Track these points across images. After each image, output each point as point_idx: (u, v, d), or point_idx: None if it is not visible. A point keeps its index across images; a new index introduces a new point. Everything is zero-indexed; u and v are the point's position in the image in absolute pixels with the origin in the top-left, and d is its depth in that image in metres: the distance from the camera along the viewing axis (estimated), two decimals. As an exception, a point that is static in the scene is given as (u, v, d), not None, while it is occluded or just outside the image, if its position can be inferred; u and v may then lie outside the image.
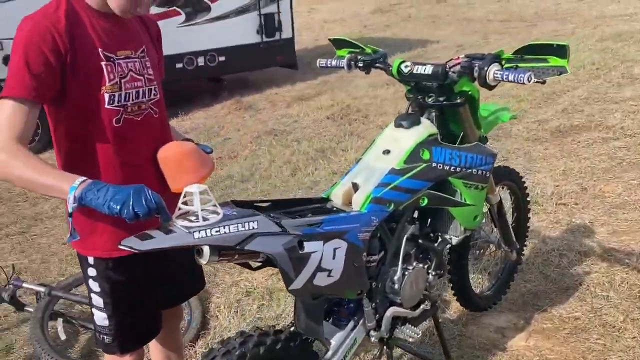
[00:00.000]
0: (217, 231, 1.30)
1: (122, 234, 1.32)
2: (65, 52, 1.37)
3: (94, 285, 1.61)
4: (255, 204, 1.62)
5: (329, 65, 2.04)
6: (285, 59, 7.72)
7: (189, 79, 7.40)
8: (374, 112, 5.95)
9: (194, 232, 1.27)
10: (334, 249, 1.55)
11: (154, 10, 6.51)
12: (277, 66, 8.01)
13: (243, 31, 7.23)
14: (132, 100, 1.51)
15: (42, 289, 2.66)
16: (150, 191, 1.26)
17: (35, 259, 3.58)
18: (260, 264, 1.51)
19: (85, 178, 1.29)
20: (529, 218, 2.66)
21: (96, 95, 1.44)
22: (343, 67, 2.01)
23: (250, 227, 1.36)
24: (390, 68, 1.89)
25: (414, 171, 1.75)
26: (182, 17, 6.67)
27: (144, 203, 1.23)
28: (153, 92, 1.58)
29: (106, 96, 1.45)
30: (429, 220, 1.95)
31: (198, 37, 6.84)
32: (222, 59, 7.11)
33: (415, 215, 1.91)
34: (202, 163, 1.56)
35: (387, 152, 1.80)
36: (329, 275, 1.54)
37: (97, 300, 1.62)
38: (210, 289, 2.97)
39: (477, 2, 13.96)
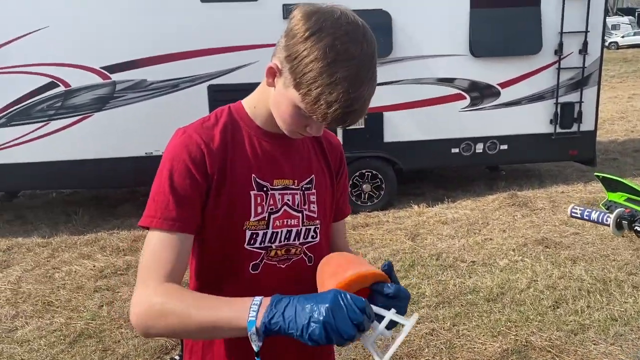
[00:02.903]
0: None
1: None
2: (212, 174, 1.12)
3: None
4: None
5: (586, 218, 1.36)
6: (580, 153, 6.62)
7: (464, 166, 6.96)
8: (693, 240, 4.49)
9: None
10: None
11: (435, 90, 6.43)
12: (569, 160, 6.95)
13: (533, 120, 6.48)
14: (280, 241, 1.19)
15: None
16: (349, 296, 0.92)
17: None
18: None
19: (261, 298, 0.97)
20: None
21: (237, 232, 1.15)
22: (607, 225, 1.30)
23: None
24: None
25: None
26: (467, 101, 6.32)
27: (349, 321, 0.90)
28: (312, 234, 1.23)
29: (248, 234, 1.15)
30: None
31: (480, 123, 6.38)
32: (503, 147, 6.46)
33: None
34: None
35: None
36: None
37: None
38: None
39: None
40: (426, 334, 3.38)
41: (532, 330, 3.35)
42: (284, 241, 1.19)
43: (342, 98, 0.99)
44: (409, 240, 5.08)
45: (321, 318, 0.89)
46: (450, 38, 6.09)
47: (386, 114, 6.14)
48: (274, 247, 1.18)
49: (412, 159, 6.29)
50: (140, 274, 1.07)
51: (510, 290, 3.90)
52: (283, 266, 1.19)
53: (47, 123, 5.61)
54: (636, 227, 1.27)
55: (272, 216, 1.17)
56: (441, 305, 3.75)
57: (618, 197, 1.42)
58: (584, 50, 6.29)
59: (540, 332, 3.32)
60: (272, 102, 1.13)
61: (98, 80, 5.60)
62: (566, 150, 6.58)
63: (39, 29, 5.43)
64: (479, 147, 6.44)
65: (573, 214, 1.42)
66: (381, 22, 5.85)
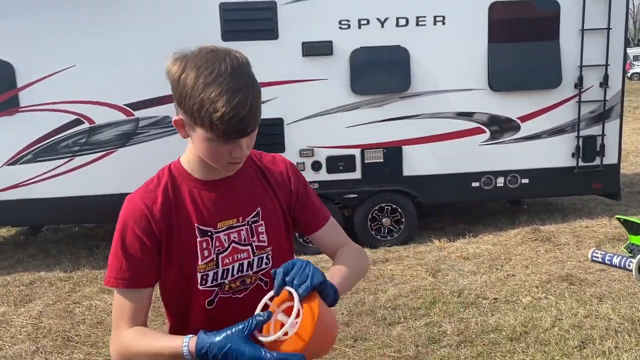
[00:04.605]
0: None
1: None
2: (160, 235, 1.29)
3: None
4: None
5: (607, 263, 1.33)
6: (604, 187, 6.50)
7: (485, 200, 6.89)
8: None
9: None
10: None
11: (454, 124, 6.41)
12: (592, 194, 6.83)
13: (555, 153, 6.40)
14: (233, 275, 1.34)
15: None
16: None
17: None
18: None
19: (189, 339, 1.18)
20: None
21: (190, 276, 1.31)
22: (630, 270, 1.27)
23: None
24: None
25: None
26: (487, 135, 6.29)
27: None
28: (265, 260, 1.37)
29: (199, 276, 1.31)
30: None
31: (501, 157, 6.33)
32: (525, 181, 6.39)
33: None
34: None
35: None
36: None
37: None
38: None
39: None
40: (448, 374, 3.30)
41: (557, 372, 3.24)
42: (237, 274, 1.33)
43: (228, 108, 1.13)
44: (430, 277, 5.01)
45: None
46: (469, 72, 6.10)
47: (405, 148, 6.14)
48: (227, 282, 1.32)
49: (432, 192, 6.25)
50: (113, 322, 1.30)
51: (534, 329, 3.80)
52: (240, 296, 1.34)
53: (72, 159, 5.74)
54: (660, 273, 1.24)
55: (220, 255, 1.31)
56: (463, 345, 3.66)
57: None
58: (604, 84, 6.25)
59: (566, 374, 3.22)
60: (196, 150, 1.27)
61: (122, 117, 5.73)
62: (589, 183, 6.47)
63: (66, 68, 5.61)
64: (500, 181, 6.37)
65: (594, 259, 1.38)
66: (399, 58, 5.91)
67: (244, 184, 1.37)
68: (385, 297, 4.57)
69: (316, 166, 6.01)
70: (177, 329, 1.37)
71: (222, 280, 1.32)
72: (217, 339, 1.12)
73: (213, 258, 1.30)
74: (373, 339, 3.83)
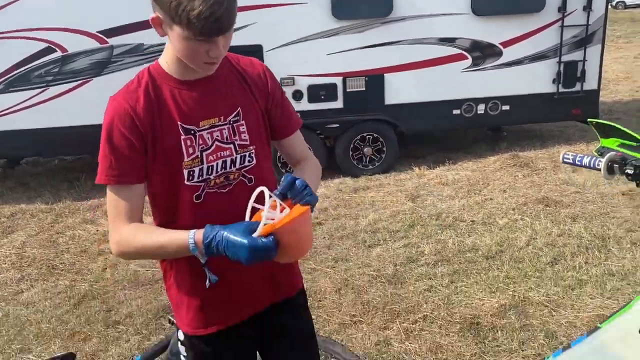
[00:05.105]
0: None
1: (207, 313, 1.45)
2: (146, 133, 1.33)
3: (182, 349, 1.58)
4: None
5: (577, 164, 1.35)
6: (583, 112, 6.54)
7: (466, 127, 6.91)
8: (694, 197, 4.48)
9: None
10: None
11: (437, 50, 6.34)
12: (572, 120, 6.89)
13: (536, 79, 6.40)
14: (217, 172, 1.39)
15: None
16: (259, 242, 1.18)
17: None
18: None
19: (194, 232, 1.25)
20: None
21: (177, 173, 1.36)
22: (599, 169, 1.29)
23: None
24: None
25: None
26: (469, 61, 6.23)
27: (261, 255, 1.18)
28: (247, 158, 1.42)
29: (185, 172, 1.36)
30: None
31: (482, 84, 6.30)
32: (505, 107, 6.41)
33: None
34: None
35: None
36: None
37: None
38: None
39: None
40: (424, 290, 3.43)
41: (530, 286, 3.38)
42: (221, 171, 1.38)
43: (205, 7, 1.15)
44: (409, 202, 5.09)
45: (245, 256, 1.16)
46: (452, -4, 5.97)
47: (387, 76, 6.07)
48: (212, 177, 1.38)
49: (414, 121, 6.24)
50: (109, 217, 1.36)
51: (509, 248, 3.93)
52: (224, 191, 1.39)
53: (46, 89, 5.58)
54: (627, 171, 1.26)
55: (204, 153, 1.36)
56: (440, 263, 3.78)
57: (611, 142, 1.40)
58: (588, 7, 6.16)
59: (538, 287, 3.35)
60: (173, 49, 1.29)
61: (95, 44, 5.54)
62: (569, 109, 6.51)
63: (33, -7, 5.36)
64: (481, 108, 6.38)
65: (565, 160, 1.41)
66: (381, -20, 5.74)
67: (223, 85, 1.40)
68: (365, 221, 4.66)
69: (297, 95, 5.93)
70: (166, 225, 1.40)
71: (208, 176, 1.37)
72: (223, 230, 1.19)
73: (198, 155, 1.35)
74: (353, 260, 3.94)
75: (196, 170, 1.36)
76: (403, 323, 3.10)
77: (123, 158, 1.31)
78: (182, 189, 1.37)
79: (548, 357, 1.18)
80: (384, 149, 6.20)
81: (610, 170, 1.29)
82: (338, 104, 6.06)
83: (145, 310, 3.41)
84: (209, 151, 1.36)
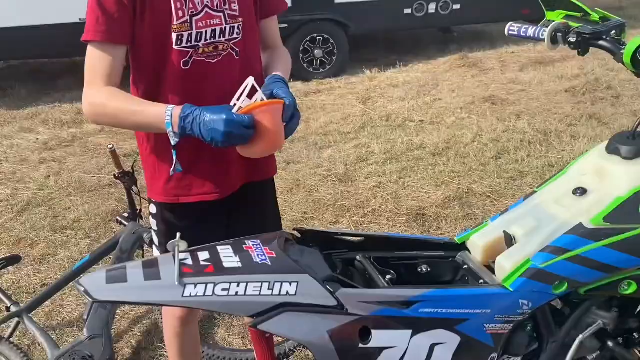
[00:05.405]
0: (224, 290, 0.84)
1: (185, 184, 1.44)
2: None
3: (153, 223, 1.57)
4: (337, 236, 1.10)
5: (522, 35, 1.34)
6: (533, 12, 6.50)
7: (417, 27, 6.81)
8: (631, 92, 4.64)
9: (186, 284, 0.83)
10: (432, 345, 0.96)
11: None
12: (520, 19, 6.87)
13: (487, -24, 6.29)
14: (206, 40, 1.36)
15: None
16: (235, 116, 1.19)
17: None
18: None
19: (172, 107, 1.24)
20: None
21: (165, 36, 1.33)
22: (542, 40, 1.29)
23: (282, 292, 0.86)
24: (622, 51, 1.13)
25: (620, 237, 1.02)
26: (420, -43, 6.03)
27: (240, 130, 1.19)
28: (236, 30, 1.39)
29: (174, 36, 1.33)
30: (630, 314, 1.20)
31: (433, -19, 6.15)
32: (456, 7, 6.32)
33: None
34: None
35: (580, 192, 1.09)
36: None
37: (155, 239, 1.60)
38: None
39: None
40: (374, 186, 3.50)
41: (474, 179, 3.50)
42: (210, 39, 1.36)
43: None
44: (360, 104, 5.08)
45: (221, 129, 1.16)
46: None
47: (336, -28, 5.82)
48: (201, 45, 1.35)
49: (364, 21, 6.09)
50: (86, 77, 1.32)
51: (455, 144, 4.02)
52: (213, 61, 1.37)
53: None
54: (570, 39, 1.27)
55: (194, 18, 1.33)
56: (389, 162, 3.84)
57: (556, 15, 1.40)
58: None
59: (481, 180, 3.48)
60: None
61: None
62: (518, 9, 6.46)
63: None
64: (432, 7, 6.27)
65: (510, 32, 1.40)
66: None
67: None
68: (316, 124, 4.63)
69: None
70: (150, 95, 1.37)
71: (197, 43, 1.35)
72: (201, 109, 1.20)
73: (187, 19, 1.32)
74: (305, 162, 3.95)
75: (185, 35, 1.33)
76: (353, 217, 3.18)
77: (110, 14, 1.27)
78: (170, 52, 1.34)
79: (486, 222, 1.23)
80: (335, 51, 6.07)
81: (553, 40, 1.29)
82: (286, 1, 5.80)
83: (94, 215, 3.35)
84: (198, 17, 1.33)
